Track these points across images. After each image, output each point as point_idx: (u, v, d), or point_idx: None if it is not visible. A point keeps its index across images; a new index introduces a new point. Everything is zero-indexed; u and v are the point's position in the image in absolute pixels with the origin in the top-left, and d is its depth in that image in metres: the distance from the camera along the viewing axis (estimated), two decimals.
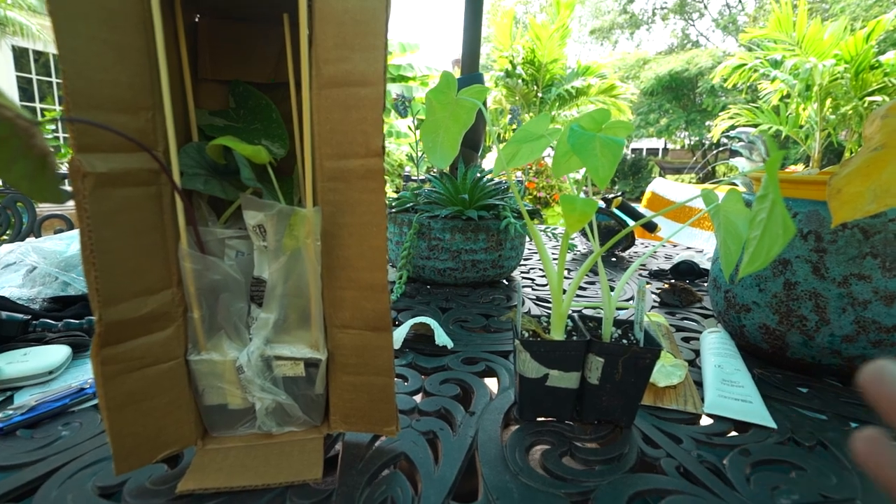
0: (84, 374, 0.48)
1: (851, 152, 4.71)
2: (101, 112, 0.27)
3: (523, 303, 0.42)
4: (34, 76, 7.15)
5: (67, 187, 0.28)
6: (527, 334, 0.42)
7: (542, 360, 0.40)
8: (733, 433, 0.42)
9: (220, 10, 0.38)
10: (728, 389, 0.48)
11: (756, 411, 0.44)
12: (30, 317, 0.55)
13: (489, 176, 0.87)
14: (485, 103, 0.91)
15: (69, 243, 0.72)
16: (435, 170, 0.96)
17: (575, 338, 0.41)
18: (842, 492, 0.35)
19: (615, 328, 0.44)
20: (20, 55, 6.91)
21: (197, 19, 0.39)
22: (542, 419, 0.43)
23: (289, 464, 0.35)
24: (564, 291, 0.42)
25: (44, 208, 1.84)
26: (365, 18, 0.30)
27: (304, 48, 0.29)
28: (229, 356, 0.36)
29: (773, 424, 0.43)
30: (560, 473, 0.36)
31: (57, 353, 0.50)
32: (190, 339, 0.35)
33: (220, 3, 0.37)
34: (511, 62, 5.47)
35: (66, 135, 0.27)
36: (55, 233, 1.27)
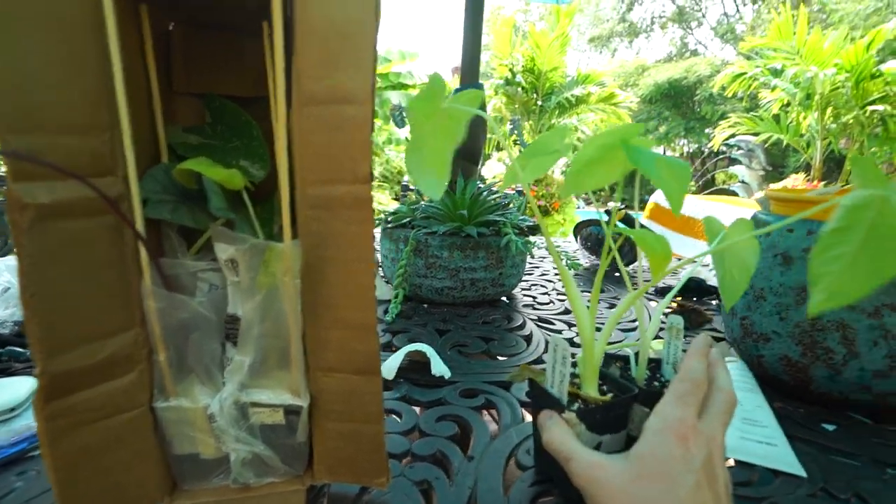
0: None
1: None
2: (44, 134, 0.24)
3: (564, 358, 0.34)
4: None
5: None
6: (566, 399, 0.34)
7: (597, 429, 0.32)
8: (757, 482, 0.39)
9: (195, 17, 0.35)
10: (750, 430, 0.44)
11: (782, 457, 0.40)
12: None
13: (496, 187, 0.84)
14: (484, 109, 0.87)
15: None
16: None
17: (605, 388, 0.36)
18: None
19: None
20: None
21: (171, 28, 0.35)
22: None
23: None
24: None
25: None
26: (351, 32, 0.27)
27: (280, 65, 0.26)
28: (201, 402, 0.32)
29: (802, 472, 0.39)
30: None
31: (21, 386, 0.46)
32: (156, 383, 0.31)
33: (194, 11, 0.34)
34: (511, 70, 5.45)
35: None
36: None
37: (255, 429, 0.33)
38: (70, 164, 0.25)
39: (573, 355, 0.34)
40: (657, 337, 0.61)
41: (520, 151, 0.38)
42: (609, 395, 0.34)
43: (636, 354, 0.39)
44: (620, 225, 0.35)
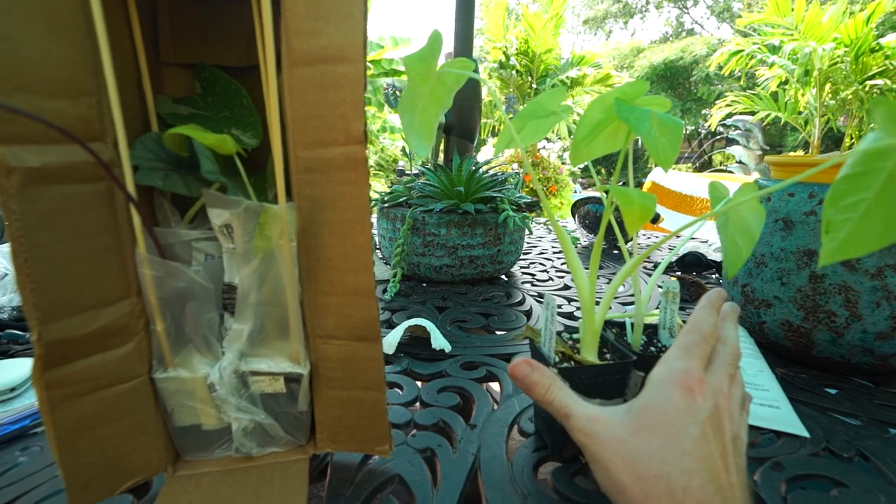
0: None
1: (851, 137, 4.66)
2: (29, 96, 0.23)
3: (552, 317, 0.35)
4: None
5: None
6: (557, 358, 0.35)
7: (583, 391, 0.31)
8: (761, 443, 0.39)
9: None
10: (752, 393, 0.44)
11: (785, 418, 0.41)
12: None
13: (494, 156, 0.83)
14: (477, 83, 0.85)
15: None
16: (426, 163, 0.92)
17: (607, 354, 0.36)
18: None
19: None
20: None
21: None
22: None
23: (269, 492, 0.31)
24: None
25: None
26: None
27: (267, 19, 0.25)
28: (200, 372, 0.32)
29: (805, 433, 0.39)
30: (573, 496, 0.32)
31: (20, 367, 0.45)
32: (155, 354, 0.31)
33: None
34: (505, 53, 5.38)
35: None
36: None
37: (255, 398, 0.33)
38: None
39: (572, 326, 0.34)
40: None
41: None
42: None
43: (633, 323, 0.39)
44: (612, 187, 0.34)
